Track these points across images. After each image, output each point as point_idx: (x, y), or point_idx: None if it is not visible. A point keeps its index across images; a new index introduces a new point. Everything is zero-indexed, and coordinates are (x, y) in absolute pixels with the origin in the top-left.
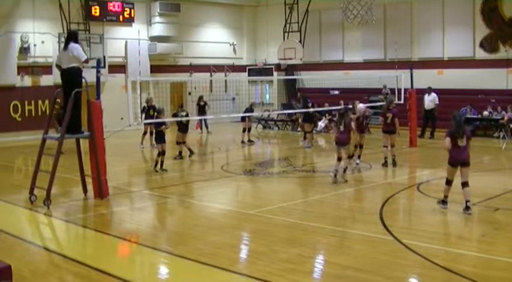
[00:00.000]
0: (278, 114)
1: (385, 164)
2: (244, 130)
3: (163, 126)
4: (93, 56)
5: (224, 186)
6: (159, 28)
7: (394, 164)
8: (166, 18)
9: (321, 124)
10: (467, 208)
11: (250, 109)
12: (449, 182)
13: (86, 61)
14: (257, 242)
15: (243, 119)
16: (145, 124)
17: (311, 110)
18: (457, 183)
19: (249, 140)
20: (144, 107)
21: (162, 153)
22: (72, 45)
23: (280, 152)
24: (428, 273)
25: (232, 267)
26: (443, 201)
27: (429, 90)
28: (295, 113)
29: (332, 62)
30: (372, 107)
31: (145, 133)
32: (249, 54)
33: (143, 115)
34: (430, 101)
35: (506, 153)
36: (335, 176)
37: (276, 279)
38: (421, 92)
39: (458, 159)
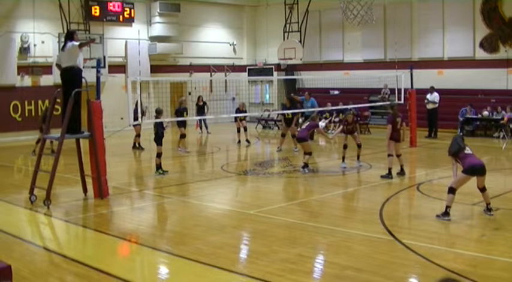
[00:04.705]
0: (278, 114)
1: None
2: (238, 130)
3: (166, 127)
4: (93, 56)
5: (224, 186)
6: (159, 28)
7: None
8: (166, 18)
9: (321, 124)
10: (489, 210)
11: (241, 110)
12: (454, 191)
13: (81, 45)
14: (257, 242)
15: (235, 119)
16: (180, 127)
17: (288, 111)
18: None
19: (246, 140)
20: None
21: (161, 155)
22: (69, 43)
23: (280, 152)
24: (428, 273)
25: (232, 267)
26: (446, 213)
27: (431, 90)
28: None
29: (332, 62)
30: (371, 107)
31: (183, 136)
32: (249, 54)
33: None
34: (431, 100)
35: (506, 153)
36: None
37: (276, 279)
38: (421, 92)
39: (478, 166)
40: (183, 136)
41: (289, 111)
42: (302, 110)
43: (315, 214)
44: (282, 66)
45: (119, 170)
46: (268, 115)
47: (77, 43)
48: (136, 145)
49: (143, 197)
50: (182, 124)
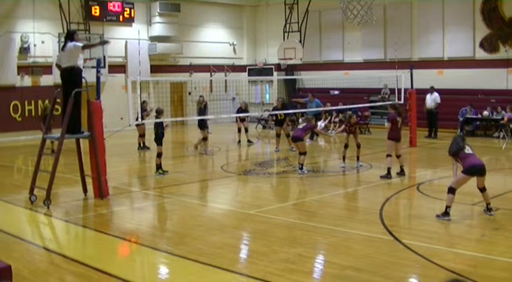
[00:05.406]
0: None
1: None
2: (239, 130)
3: (166, 127)
4: (93, 56)
5: (224, 186)
6: (159, 28)
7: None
8: (166, 18)
9: (321, 124)
10: (489, 210)
11: (243, 109)
12: (454, 191)
13: (84, 47)
14: (257, 242)
15: (236, 118)
16: (202, 129)
17: (281, 112)
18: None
19: (248, 140)
20: (200, 108)
21: (161, 155)
22: (70, 43)
23: (280, 152)
24: (428, 273)
25: (232, 267)
26: (446, 213)
27: (431, 90)
28: (295, 113)
29: (332, 62)
30: (371, 107)
31: (205, 139)
32: (249, 54)
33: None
34: (431, 100)
35: (506, 153)
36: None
37: (276, 279)
38: (421, 92)
39: (478, 166)
40: (205, 138)
41: (282, 112)
42: (304, 110)
43: (315, 214)
44: (282, 66)
45: (119, 170)
46: (268, 115)
47: (80, 44)
48: (141, 145)
49: (143, 197)
50: (204, 126)
